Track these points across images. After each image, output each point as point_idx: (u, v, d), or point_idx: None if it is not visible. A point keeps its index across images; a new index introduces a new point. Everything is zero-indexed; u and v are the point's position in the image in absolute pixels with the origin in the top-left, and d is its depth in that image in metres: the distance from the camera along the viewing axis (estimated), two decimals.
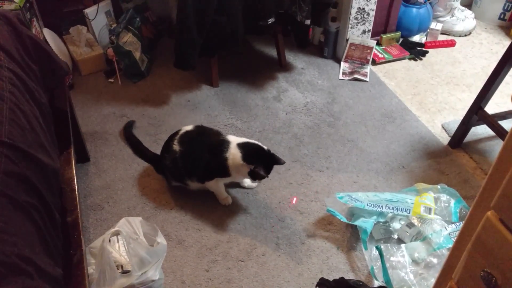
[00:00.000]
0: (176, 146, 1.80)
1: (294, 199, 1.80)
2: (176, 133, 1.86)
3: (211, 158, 1.75)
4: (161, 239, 1.52)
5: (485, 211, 0.95)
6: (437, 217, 1.69)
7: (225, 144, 1.74)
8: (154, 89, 2.50)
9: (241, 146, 1.73)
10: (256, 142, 1.79)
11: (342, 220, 1.76)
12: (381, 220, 1.74)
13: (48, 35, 2.49)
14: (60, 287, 0.96)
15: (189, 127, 1.86)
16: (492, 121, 1.94)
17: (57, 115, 1.54)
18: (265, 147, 1.75)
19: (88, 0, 2.67)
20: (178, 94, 2.47)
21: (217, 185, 1.83)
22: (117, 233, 1.46)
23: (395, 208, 1.71)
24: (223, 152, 1.72)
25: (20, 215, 0.93)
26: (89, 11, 2.59)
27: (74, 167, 1.48)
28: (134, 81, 2.54)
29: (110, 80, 2.55)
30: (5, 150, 0.97)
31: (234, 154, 1.71)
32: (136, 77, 2.55)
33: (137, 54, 2.47)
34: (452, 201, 1.74)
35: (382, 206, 1.72)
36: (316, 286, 1.35)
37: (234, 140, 1.77)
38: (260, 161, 1.70)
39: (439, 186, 1.81)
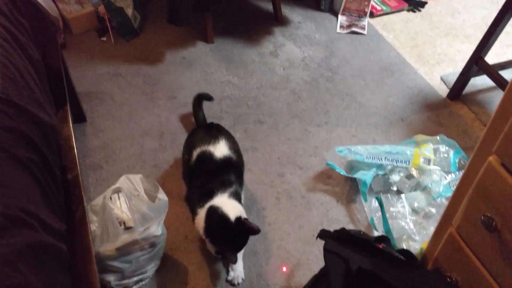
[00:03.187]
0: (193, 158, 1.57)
1: (284, 268, 1.54)
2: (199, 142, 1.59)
3: None
4: (162, 195, 1.52)
5: (486, 158, 0.95)
6: (436, 167, 1.70)
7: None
8: (148, 47, 2.45)
9: (209, 212, 1.41)
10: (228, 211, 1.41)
11: (341, 173, 1.77)
12: (380, 172, 1.75)
13: None
14: (65, 241, 0.96)
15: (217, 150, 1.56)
16: (492, 71, 1.92)
17: (51, 73, 1.51)
18: (234, 217, 1.39)
19: None
20: (172, 51, 2.42)
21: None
22: (118, 190, 1.46)
23: (394, 160, 1.71)
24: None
25: (20, 170, 0.92)
26: None
27: (71, 125, 1.46)
28: (127, 39, 2.48)
29: (102, 38, 2.50)
30: (0, 105, 0.95)
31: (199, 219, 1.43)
32: (129, 35, 2.49)
33: (129, 11, 2.40)
34: (451, 152, 1.75)
35: (381, 158, 1.72)
36: (317, 238, 1.37)
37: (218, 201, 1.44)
38: (225, 239, 1.39)
39: (438, 137, 1.81)
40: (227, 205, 1.43)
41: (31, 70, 1.19)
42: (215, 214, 1.40)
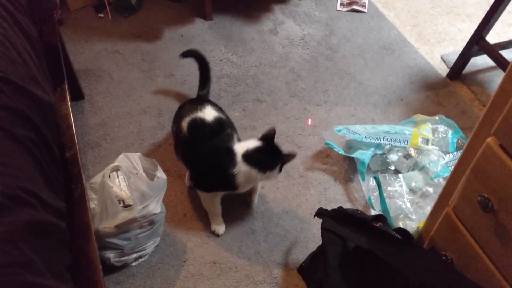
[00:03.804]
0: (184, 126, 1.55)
1: (309, 120, 1.65)
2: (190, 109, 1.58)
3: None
4: (160, 174, 1.53)
5: (484, 139, 0.95)
6: (434, 147, 1.71)
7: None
8: (146, 23, 2.42)
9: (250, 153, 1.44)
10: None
11: (340, 152, 1.77)
12: (379, 152, 1.76)
13: None
14: (64, 219, 0.97)
15: (206, 115, 1.55)
16: (493, 50, 1.90)
17: (48, 50, 1.49)
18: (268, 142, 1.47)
19: None
20: (171, 28, 2.40)
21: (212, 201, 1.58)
22: (116, 169, 1.47)
23: (393, 140, 1.71)
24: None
25: (19, 148, 0.92)
26: None
27: (69, 103, 1.46)
28: (125, 15, 2.45)
29: (100, 15, 2.46)
30: None
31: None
32: (127, 11, 2.46)
33: None
34: (450, 132, 1.75)
35: (380, 138, 1.72)
36: (314, 216, 1.38)
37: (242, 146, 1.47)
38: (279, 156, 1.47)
39: (437, 117, 1.81)
40: (251, 143, 1.46)
41: (28, 48, 1.17)
42: (258, 149, 1.44)
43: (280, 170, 1.49)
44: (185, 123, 1.54)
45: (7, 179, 0.81)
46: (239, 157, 1.42)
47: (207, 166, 1.49)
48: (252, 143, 1.46)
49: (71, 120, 1.38)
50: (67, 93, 1.48)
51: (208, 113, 1.55)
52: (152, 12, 2.49)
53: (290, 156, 1.46)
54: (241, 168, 1.42)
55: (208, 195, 1.56)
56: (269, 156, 1.45)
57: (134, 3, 2.45)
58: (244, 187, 1.49)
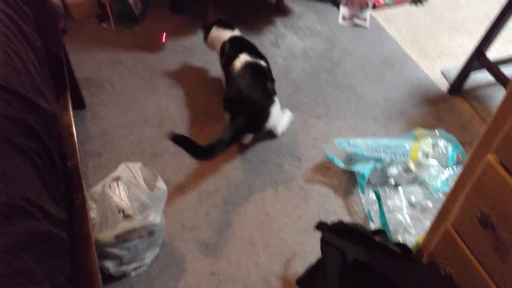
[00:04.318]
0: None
1: (164, 35, 1.83)
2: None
3: None
4: (161, 184, 1.53)
5: (484, 155, 0.96)
6: (434, 162, 1.71)
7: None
8: (149, 34, 2.44)
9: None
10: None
11: (340, 165, 1.78)
12: (379, 165, 1.76)
13: None
14: (65, 230, 0.97)
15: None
16: (493, 66, 1.92)
17: (51, 60, 1.50)
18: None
19: None
20: (173, 39, 2.41)
21: None
22: (117, 178, 1.47)
23: (393, 154, 1.72)
24: None
25: (21, 158, 0.92)
26: None
27: (71, 113, 1.46)
28: (128, 26, 2.47)
29: (103, 25, 2.48)
30: (1, 93, 0.95)
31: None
32: (130, 22, 2.48)
33: None
34: (450, 147, 1.76)
35: (380, 151, 1.73)
36: (314, 229, 1.38)
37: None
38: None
39: (437, 132, 1.82)
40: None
41: (33, 58, 1.18)
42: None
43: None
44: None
45: (11, 189, 0.82)
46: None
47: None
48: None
49: (73, 130, 1.39)
50: (70, 103, 1.49)
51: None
52: (155, 23, 2.51)
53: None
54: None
55: None
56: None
57: (138, 13, 2.47)
58: None
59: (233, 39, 1.99)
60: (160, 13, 2.55)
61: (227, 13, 2.58)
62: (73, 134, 1.38)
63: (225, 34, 2.02)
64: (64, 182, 1.19)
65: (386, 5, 2.67)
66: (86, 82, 2.16)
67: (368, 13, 2.59)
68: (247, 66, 1.81)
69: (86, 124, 1.99)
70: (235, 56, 1.86)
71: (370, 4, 2.60)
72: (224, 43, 1.99)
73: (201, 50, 2.35)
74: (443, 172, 1.65)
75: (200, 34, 2.45)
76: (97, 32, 2.45)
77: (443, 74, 2.26)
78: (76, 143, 1.38)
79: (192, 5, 2.25)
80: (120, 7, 2.41)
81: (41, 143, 1.03)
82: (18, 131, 0.95)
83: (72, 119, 1.44)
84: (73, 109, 1.78)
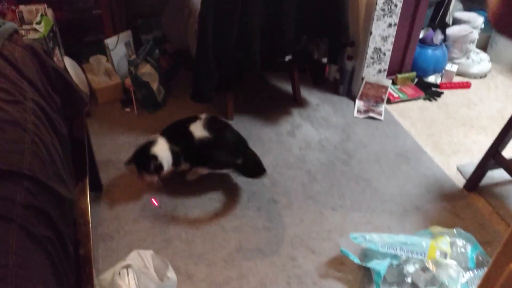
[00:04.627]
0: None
1: (155, 201, 1.97)
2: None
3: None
4: (171, 274, 1.50)
5: (507, 264, 0.93)
6: (453, 262, 1.66)
7: None
8: (170, 119, 2.50)
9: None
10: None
11: (355, 261, 1.73)
12: (395, 262, 1.71)
13: (68, 63, 2.54)
14: None
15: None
16: (510, 165, 1.92)
17: (74, 144, 1.55)
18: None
19: (108, 30, 2.72)
20: None
21: None
22: (128, 266, 1.45)
23: (409, 251, 1.67)
24: None
25: (37, 249, 0.92)
26: (110, 41, 2.65)
27: (88, 198, 1.48)
28: (150, 111, 2.57)
29: (126, 109, 2.58)
30: (25, 182, 0.98)
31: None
32: (153, 107, 2.58)
33: (155, 85, 2.51)
34: (469, 247, 1.71)
35: (396, 248, 1.69)
36: None
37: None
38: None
39: (455, 230, 1.78)
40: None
41: (57, 145, 1.22)
42: None
43: None
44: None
45: (21, 282, 0.81)
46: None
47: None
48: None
49: (88, 216, 1.40)
50: (88, 188, 1.51)
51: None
52: (176, 109, 2.61)
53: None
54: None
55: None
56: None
57: (160, 100, 2.57)
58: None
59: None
60: (181, 100, 2.65)
61: (245, 102, 2.67)
62: (88, 221, 1.38)
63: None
64: (75, 269, 1.18)
65: (400, 99, 2.74)
66: (105, 164, 2.20)
67: (383, 107, 2.65)
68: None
69: (101, 206, 2.00)
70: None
71: (385, 99, 2.67)
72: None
73: None
74: (463, 276, 1.59)
75: None
76: (120, 116, 2.54)
77: (458, 170, 2.26)
78: (91, 229, 1.38)
79: (212, 95, 2.34)
80: (144, 94, 2.52)
81: (57, 232, 1.04)
82: (36, 220, 0.96)
83: (89, 205, 1.45)
84: (90, 190, 1.80)
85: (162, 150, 1.94)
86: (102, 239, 1.85)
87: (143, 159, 1.93)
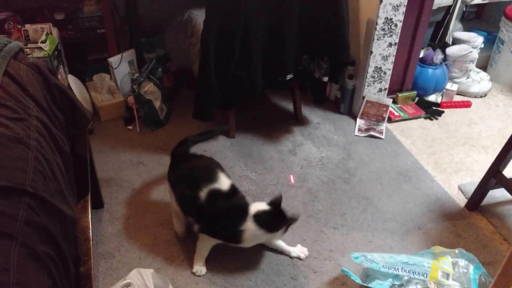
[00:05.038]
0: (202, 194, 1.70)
1: (292, 178, 1.86)
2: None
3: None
4: None
5: (508, 284, 0.93)
6: (455, 283, 1.64)
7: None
8: (172, 137, 2.53)
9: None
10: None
11: (356, 281, 1.72)
12: (397, 283, 1.70)
13: (72, 81, 2.57)
14: None
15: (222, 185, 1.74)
16: (511, 185, 1.92)
17: (76, 161, 1.56)
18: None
19: (112, 49, 2.76)
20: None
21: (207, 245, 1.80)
22: (128, 285, 1.44)
23: (411, 272, 1.66)
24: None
25: (37, 266, 0.92)
26: (113, 60, 2.68)
27: (90, 215, 1.48)
28: (153, 129, 2.58)
29: (129, 127, 2.60)
30: (27, 199, 0.98)
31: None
32: (155, 125, 2.59)
33: (157, 103, 2.53)
34: (471, 267, 1.70)
35: (398, 268, 1.68)
36: None
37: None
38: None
39: (457, 251, 1.77)
40: (261, 205, 1.73)
41: (60, 163, 1.23)
42: (267, 212, 1.71)
43: (285, 231, 1.73)
44: (203, 193, 1.70)
45: None
46: (249, 217, 1.65)
47: (221, 220, 1.70)
48: (261, 206, 1.70)
49: (89, 234, 1.40)
50: (89, 205, 1.52)
51: (224, 182, 1.75)
52: (178, 126, 2.62)
53: (293, 220, 1.73)
54: (250, 227, 1.65)
55: (209, 240, 1.76)
56: (277, 219, 1.69)
57: (162, 118, 2.59)
58: (249, 243, 1.72)
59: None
60: (183, 118, 2.67)
61: (247, 120, 2.69)
62: (89, 238, 1.38)
63: None
64: (75, 287, 1.18)
65: (401, 118, 2.75)
66: (107, 181, 2.21)
67: (384, 125, 2.67)
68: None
69: (103, 224, 1.99)
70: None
71: (386, 117, 2.69)
72: None
73: (221, 154, 2.42)
74: None
75: (221, 139, 2.53)
76: (122, 134, 2.56)
77: (460, 189, 2.25)
78: (91, 247, 1.37)
79: (213, 114, 2.36)
80: (146, 112, 2.54)
81: (58, 249, 1.04)
82: (37, 237, 0.96)
83: (90, 221, 1.46)
84: (91, 208, 1.81)
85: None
86: (103, 257, 1.84)
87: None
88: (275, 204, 1.70)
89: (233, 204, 1.72)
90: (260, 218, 1.66)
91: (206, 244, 1.79)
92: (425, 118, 2.81)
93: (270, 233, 1.68)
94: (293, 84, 2.60)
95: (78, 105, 1.55)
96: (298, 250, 1.88)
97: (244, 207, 1.69)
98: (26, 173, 1.03)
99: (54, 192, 1.11)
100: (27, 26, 2.42)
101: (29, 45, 2.36)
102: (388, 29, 2.49)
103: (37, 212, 0.99)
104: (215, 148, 2.47)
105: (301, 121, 2.72)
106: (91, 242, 1.38)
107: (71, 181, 1.32)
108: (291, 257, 1.86)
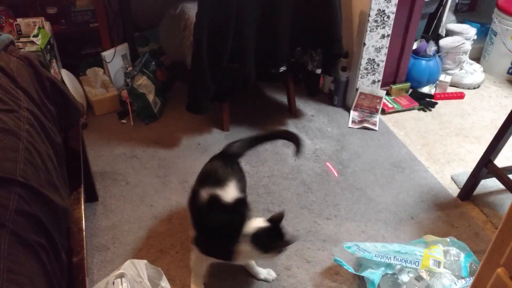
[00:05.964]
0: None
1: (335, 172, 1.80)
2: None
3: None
4: (165, 283, 1.50)
5: (495, 268, 0.94)
6: (446, 271, 1.66)
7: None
8: (166, 131, 2.54)
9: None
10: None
11: (349, 270, 1.73)
12: (389, 271, 1.71)
13: (66, 75, 2.56)
14: None
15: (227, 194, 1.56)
16: (502, 174, 1.93)
17: (69, 154, 1.57)
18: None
19: (106, 43, 2.75)
20: (189, 137, 2.50)
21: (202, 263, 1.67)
22: (121, 276, 1.45)
23: (403, 260, 1.68)
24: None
25: (28, 255, 0.93)
26: (106, 54, 2.67)
27: (83, 207, 1.49)
28: (146, 122, 2.59)
29: (122, 121, 2.60)
30: (18, 189, 0.99)
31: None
32: (149, 118, 2.59)
33: (151, 97, 2.53)
34: (462, 255, 1.72)
35: (390, 257, 1.69)
36: None
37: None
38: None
39: (448, 239, 1.79)
40: (259, 222, 1.54)
41: (52, 154, 1.24)
42: (265, 231, 1.51)
43: (281, 252, 1.59)
44: (205, 194, 1.56)
45: (12, 286, 0.81)
46: (244, 236, 1.48)
47: (214, 236, 1.56)
48: (260, 223, 1.52)
49: (82, 225, 1.40)
50: (82, 197, 1.52)
51: (230, 192, 1.57)
52: (172, 120, 2.63)
53: (291, 242, 1.54)
54: (244, 247, 1.49)
55: (202, 257, 1.62)
56: (274, 239, 1.52)
57: (156, 111, 2.59)
58: (241, 261, 1.63)
59: None
60: (177, 112, 2.67)
61: (241, 113, 2.69)
62: (82, 229, 1.39)
63: None
64: (68, 278, 1.18)
65: (395, 110, 2.76)
66: (100, 175, 2.21)
67: (378, 117, 2.68)
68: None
69: (97, 217, 2.00)
70: None
71: (379, 109, 2.70)
72: None
73: (215, 147, 2.42)
74: (455, 284, 1.60)
75: (215, 132, 2.54)
76: (116, 127, 2.56)
77: (453, 179, 2.27)
78: (84, 238, 1.38)
79: (207, 106, 2.36)
80: (140, 105, 2.54)
81: (50, 239, 1.04)
82: (28, 226, 0.97)
83: (83, 213, 1.46)
84: (86, 201, 1.81)
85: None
86: (97, 249, 1.85)
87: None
88: (275, 221, 1.52)
89: (226, 221, 1.53)
90: (257, 237, 1.48)
91: (200, 262, 1.66)
92: (419, 109, 2.82)
93: (266, 254, 1.52)
94: (287, 77, 2.61)
95: (70, 97, 1.56)
96: (266, 273, 1.76)
97: (238, 226, 1.50)
98: (17, 163, 1.04)
99: (45, 182, 1.11)
100: (19, 20, 2.41)
101: (21, 39, 2.35)
102: (380, 20, 2.49)
103: (27, 202, 0.99)
104: (209, 141, 2.48)
105: (295, 113, 2.73)
106: (84, 233, 1.39)
107: (63, 172, 1.32)
108: (257, 279, 1.75)
